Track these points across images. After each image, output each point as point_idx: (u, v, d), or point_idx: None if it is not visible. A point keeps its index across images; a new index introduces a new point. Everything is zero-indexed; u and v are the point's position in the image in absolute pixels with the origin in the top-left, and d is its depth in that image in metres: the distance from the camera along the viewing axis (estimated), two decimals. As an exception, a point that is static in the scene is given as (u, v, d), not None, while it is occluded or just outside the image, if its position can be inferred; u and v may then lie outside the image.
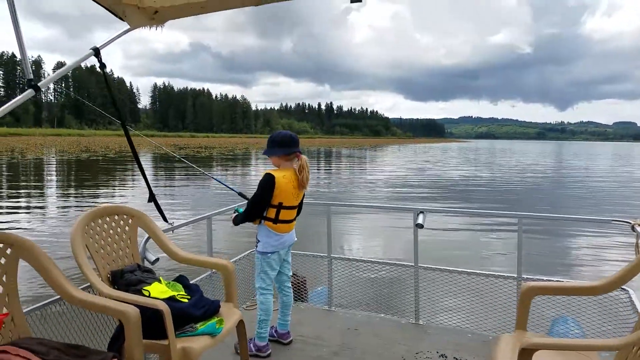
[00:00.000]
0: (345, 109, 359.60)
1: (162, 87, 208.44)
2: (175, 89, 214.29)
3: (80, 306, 2.31)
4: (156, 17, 2.54)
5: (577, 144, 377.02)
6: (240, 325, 2.86)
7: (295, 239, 3.58)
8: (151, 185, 3.29)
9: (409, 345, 3.62)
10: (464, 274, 3.97)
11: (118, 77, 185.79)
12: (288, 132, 3.45)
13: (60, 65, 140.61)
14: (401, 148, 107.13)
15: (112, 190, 21.22)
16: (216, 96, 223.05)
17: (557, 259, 10.34)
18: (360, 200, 19.63)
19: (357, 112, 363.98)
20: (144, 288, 2.54)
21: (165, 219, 3.30)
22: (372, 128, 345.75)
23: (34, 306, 2.41)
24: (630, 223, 3.16)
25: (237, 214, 3.50)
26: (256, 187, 3.26)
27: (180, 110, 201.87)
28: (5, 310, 2.14)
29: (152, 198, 3.24)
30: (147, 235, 3.05)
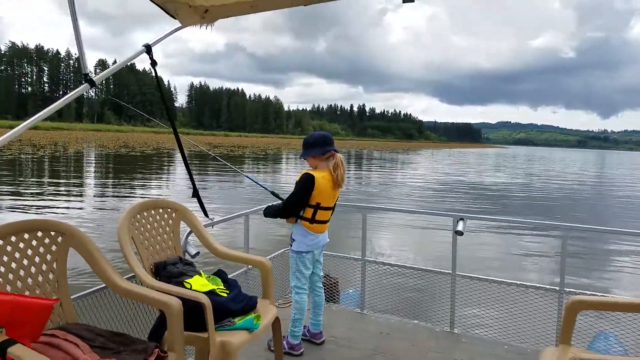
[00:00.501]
0: (377, 111, 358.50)
1: (198, 86, 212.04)
2: (211, 88, 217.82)
3: (125, 295, 2.37)
4: (206, 16, 2.59)
5: (620, 153, 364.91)
6: (276, 322, 2.88)
7: (328, 239, 3.60)
8: (189, 181, 3.36)
9: (443, 354, 3.58)
10: (503, 284, 3.89)
11: (159, 75, 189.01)
12: (322, 132, 3.48)
13: (102, 62, 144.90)
14: (435, 152, 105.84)
15: (151, 185, 21.70)
16: (250, 96, 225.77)
17: (599, 272, 10.04)
18: (394, 203, 19.49)
19: (390, 114, 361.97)
20: (186, 281, 2.59)
21: (206, 214, 3.36)
22: (405, 131, 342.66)
23: (81, 293, 2.49)
24: None
25: (269, 205, 3.52)
26: (288, 187, 3.28)
27: (215, 109, 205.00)
28: (55, 296, 2.22)
29: (195, 193, 3.30)
30: (188, 229, 3.11)
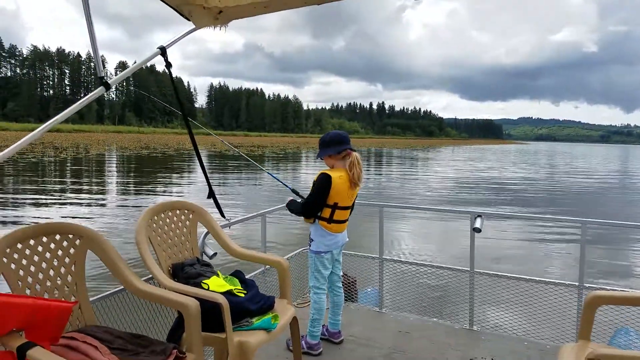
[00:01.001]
0: (397, 108, 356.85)
1: (217, 87, 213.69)
2: (230, 88, 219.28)
3: (143, 297, 2.39)
4: (220, 17, 2.59)
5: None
6: (294, 322, 2.87)
7: (347, 239, 3.58)
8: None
9: (462, 351, 3.55)
10: (521, 280, 3.84)
11: (176, 76, 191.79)
12: (337, 131, 3.44)
13: (122, 64, 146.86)
14: (455, 149, 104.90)
15: (171, 186, 21.94)
16: (269, 96, 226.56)
17: (619, 267, 9.85)
18: (413, 201, 19.38)
19: (409, 112, 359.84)
20: (203, 281, 2.59)
21: (223, 215, 3.36)
22: (425, 128, 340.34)
23: (100, 295, 2.52)
24: None
25: (292, 200, 3.53)
26: (308, 185, 3.27)
27: (234, 109, 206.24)
28: (73, 299, 2.25)
29: (211, 194, 3.31)
30: (206, 230, 3.12)
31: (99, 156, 41.43)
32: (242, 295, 2.65)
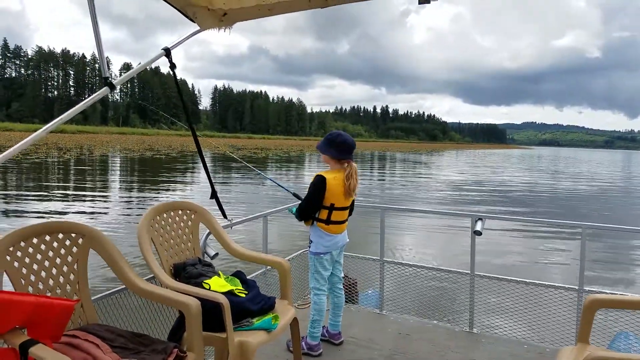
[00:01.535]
0: (401, 112, 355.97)
1: (222, 89, 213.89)
2: (234, 91, 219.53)
3: (144, 296, 2.40)
4: (225, 19, 2.61)
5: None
6: (294, 322, 2.89)
7: (348, 240, 3.58)
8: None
9: (462, 353, 3.55)
10: (522, 283, 3.85)
11: (181, 78, 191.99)
12: (348, 139, 3.37)
13: (127, 66, 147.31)
14: (459, 153, 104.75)
15: (174, 187, 21.99)
16: (273, 99, 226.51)
17: (619, 270, 9.83)
18: (414, 203, 19.37)
19: (413, 115, 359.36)
20: (205, 281, 2.61)
21: (225, 216, 3.38)
22: (429, 132, 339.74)
23: (102, 294, 2.53)
24: None
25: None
26: (308, 188, 3.29)
27: (238, 111, 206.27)
28: (76, 297, 2.26)
29: (213, 195, 3.32)
30: (207, 231, 3.14)
31: (102, 157, 41.55)
32: (243, 295, 2.66)
